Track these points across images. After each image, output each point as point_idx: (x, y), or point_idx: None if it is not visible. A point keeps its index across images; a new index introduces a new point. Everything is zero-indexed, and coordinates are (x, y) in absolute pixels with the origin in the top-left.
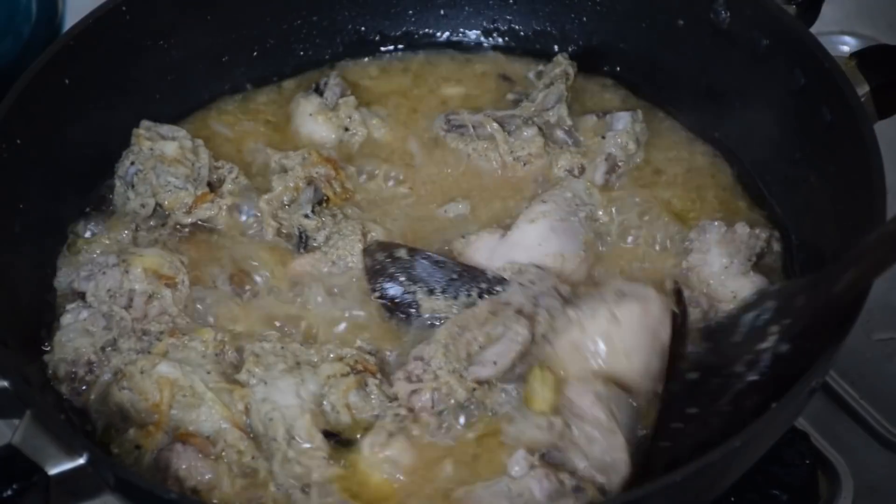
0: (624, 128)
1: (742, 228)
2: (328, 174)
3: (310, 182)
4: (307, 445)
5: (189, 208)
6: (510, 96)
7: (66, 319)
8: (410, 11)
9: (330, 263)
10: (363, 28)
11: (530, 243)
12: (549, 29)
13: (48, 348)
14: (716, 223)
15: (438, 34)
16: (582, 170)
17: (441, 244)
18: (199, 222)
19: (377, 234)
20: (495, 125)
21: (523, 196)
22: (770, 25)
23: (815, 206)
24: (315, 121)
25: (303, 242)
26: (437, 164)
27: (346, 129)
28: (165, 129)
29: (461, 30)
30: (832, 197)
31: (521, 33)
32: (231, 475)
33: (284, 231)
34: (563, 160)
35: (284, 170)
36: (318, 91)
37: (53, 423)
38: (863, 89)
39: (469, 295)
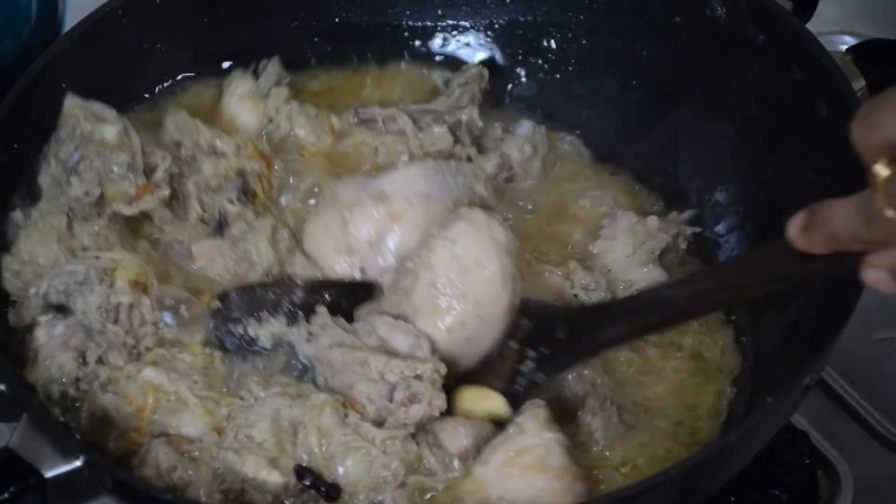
0: (525, 134)
1: (652, 222)
2: (260, 171)
3: (240, 174)
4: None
5: (131, 199)
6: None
7: (41, 336)
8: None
9: (238, 256)
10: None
11: (400, 180)
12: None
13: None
14: (628, 212)
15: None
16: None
17: None
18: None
19: (285, 235)
20: (406, 118)
21: None
22: (766, 21)
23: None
24: (242, 104)
25: (220, 229)
26: (346, 159)
27: (270, 121)
28: (97, 107)
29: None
30: (829, 194)
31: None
32: (208, 473)
33: (206, 215)
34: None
35: (215, 152)
36: (255, 73)
37: (50, 426)
38: (859, 84)
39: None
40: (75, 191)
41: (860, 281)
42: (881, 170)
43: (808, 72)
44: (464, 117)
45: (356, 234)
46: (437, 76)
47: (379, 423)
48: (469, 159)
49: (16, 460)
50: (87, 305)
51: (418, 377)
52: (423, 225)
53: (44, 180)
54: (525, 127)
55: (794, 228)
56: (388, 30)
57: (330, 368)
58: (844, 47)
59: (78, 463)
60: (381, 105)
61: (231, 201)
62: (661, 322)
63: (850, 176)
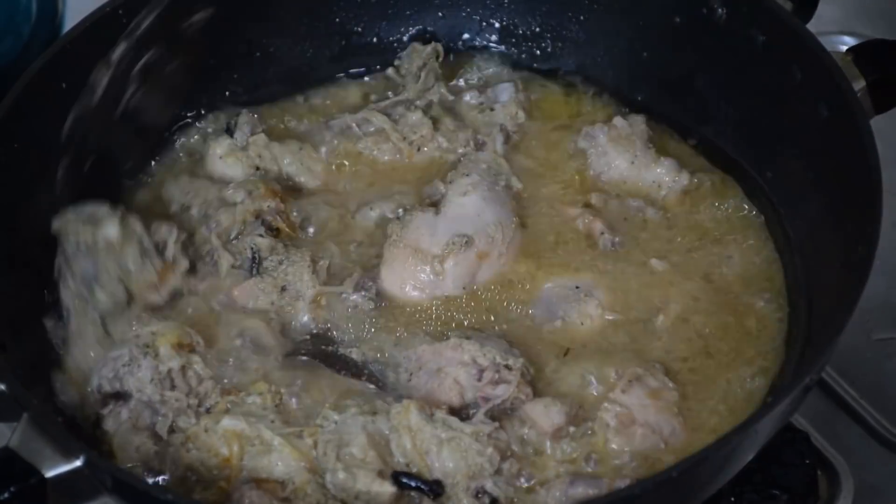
0: (509, 98)
1: (620, 121)
2: (277, 207)
3: (257, 216)
4: (359, 456)
5: (156, 286)
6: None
7: (110, 426)
8: None
9: (279, 289)
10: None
11: (469, 214)
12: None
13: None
14: (598, 125)
15: None
16: (481, 144)
17: (376, 248)
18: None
19: (325, 262)
20: (381, 116)
21: (433, 179)
22: (767, 21)
23: (813, 202)
24: (225, 163)
25: (256, 264)
26: (343, 175)
27: (258, 168)
28: (89, 209)
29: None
30: (829, 193)
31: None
32: None
33: (236, 262)
34: (460, 137)
35: (226, 203)
36: (229, 131)
37: (50, 426)
38: (859, 84)
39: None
40: (102, 301)
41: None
42: None
43: (809, 72)
44: (434, 98)
45: (448, 280)
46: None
47: (464, 417)
48: (477, 148)
49: (16, 460)
50: (140, 382)
51: (508, 367)
52: (504, 250)
53: (67, 297)
54: (506, 91)
55: None
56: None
57: (418, 361)
58: (844, 48)
59: (78, 463)
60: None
61: (261, 235)
62: None
63: (850, 176)
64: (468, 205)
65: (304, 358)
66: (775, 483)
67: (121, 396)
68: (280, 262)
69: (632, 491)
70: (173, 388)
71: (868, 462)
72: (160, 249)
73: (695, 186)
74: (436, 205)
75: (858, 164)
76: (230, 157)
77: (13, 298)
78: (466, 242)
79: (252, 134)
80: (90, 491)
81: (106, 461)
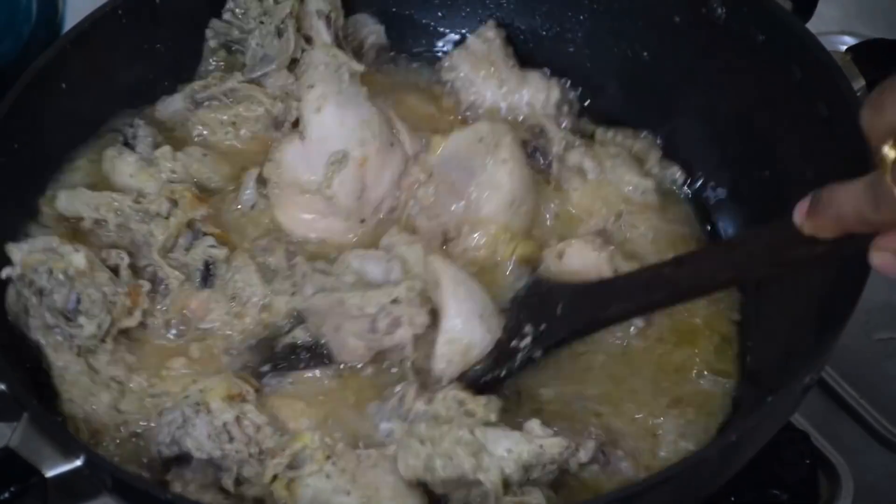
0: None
1: (472, 40)
2: (207, 214)
3: (190, 225)
4: None
5: (129, 309)
6: None
7: (178, 488)
8: None
9: (230, 298)
10: None
11: (333, 128)
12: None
13: None
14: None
15: None
16: (308, 39)
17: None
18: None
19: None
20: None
21: None
22: (766, 20)
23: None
24: (137, 179)
25: (205, 281)
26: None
27: (171, 182)
28: (41, 242)
29: None
30: None
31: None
32: None
33: (182, 275)
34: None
35: (148, 214)
36: (129, 145)
37: (50, 426)
38: (859, 84)
39: None
40: (88, 330)
41: (868, 263)
42: (889, 151)
43: (808, 72)
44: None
45: (343, 199)
46: None
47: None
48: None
49: (16, 460)
50: (198, 441)
51: (395, 301)
52: (380, 146)
53: (36, 335)
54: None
55: (801, 214)
56: None
57: (317, 316)
58: (844, 47)
59: (78, 462)
60: None
61: (213, 246)
62: (662, 300)
63: (850, 175)
64: (327, 120)
65: (269, 372)
66: (775, 483)
67: (182, 459)
68: (231, 273)
69: (630, 491)
70: (231, 440)
71: (868, 462)
72: (116, 274)
73: None
74: (296, 125)
75: (858, 164)
76: (142, 173)
77: None
78: (342, 159)
79: (156, 147)
80: (90, 491)
81: (106, 460)
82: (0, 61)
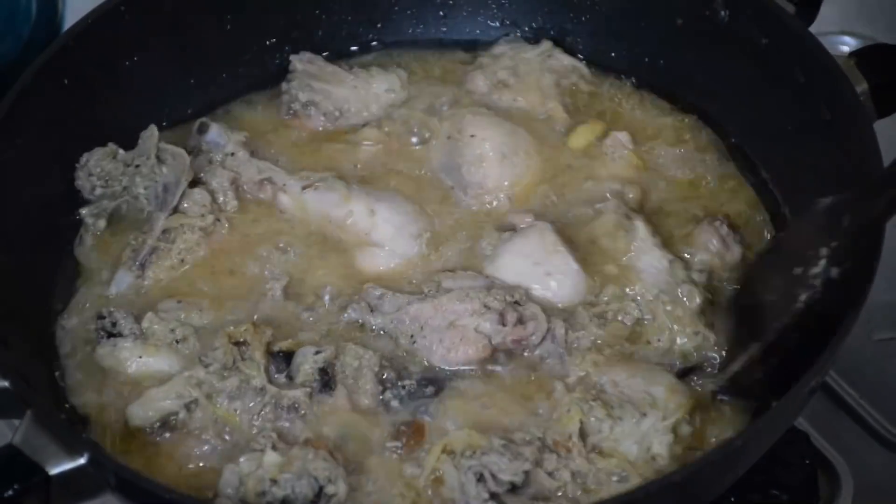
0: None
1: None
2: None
3: (268, 349)
4: None
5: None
6: None
7: None
8: None
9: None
10: None
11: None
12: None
13: None
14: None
15: None
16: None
17: None
18: None
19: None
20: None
21: None
22: (769, 24)
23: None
24: (147, 361)
25: (329, 376)
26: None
27: (177, 342)
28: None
29: None
30: (831, 195)
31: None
32: None
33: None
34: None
35: (228, 367)
36: (113, 335)
37: (54, 423)
38: (862, 88)
39: None
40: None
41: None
42: None
43: (811, 75)
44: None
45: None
46: None
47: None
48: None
49: (20, 457)
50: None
51: (517, 303)
52: None
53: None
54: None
55: None
56: None
57: (416, 321)
58: (845, 48)
59: (82, 460)
60: None
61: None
62: None
63: (851, 177)
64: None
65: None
66: (775, 483)
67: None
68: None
69: (635, 495)
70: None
71: (868, 462)
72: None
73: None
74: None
75: (861, 168)
76: (146, 350)
77: (14, 294)
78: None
79: (137, 320)
80: (94, 488)
81: (110, 458)
82: (0, 61)
